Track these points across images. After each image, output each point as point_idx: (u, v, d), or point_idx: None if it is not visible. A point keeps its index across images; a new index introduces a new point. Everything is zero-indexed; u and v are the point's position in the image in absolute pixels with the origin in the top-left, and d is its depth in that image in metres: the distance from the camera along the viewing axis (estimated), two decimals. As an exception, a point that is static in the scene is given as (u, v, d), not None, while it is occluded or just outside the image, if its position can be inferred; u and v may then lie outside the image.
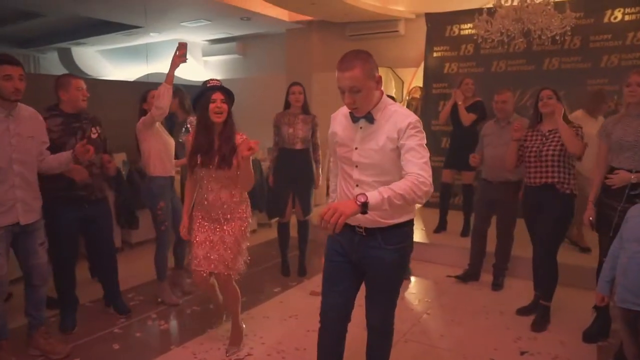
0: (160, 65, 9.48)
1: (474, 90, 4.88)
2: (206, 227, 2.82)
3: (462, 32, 6.03)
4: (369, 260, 2.05)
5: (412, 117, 1.92)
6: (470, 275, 4.17)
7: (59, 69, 10.63)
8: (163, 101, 3.24)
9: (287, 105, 4.15)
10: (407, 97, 6.77)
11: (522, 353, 2.98)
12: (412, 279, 4.30)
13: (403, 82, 6.93)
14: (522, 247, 4.00)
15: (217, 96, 2.69)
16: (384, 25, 7.02)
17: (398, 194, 1.73)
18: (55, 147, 2.93)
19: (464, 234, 4.93)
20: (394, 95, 6.94)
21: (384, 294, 2.13)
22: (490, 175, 3.89)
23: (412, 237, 2.14)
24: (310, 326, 3.10)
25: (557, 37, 4.50)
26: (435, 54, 6.28)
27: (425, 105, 6.40)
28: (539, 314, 3.35)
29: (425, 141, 1.90)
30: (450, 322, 3.46)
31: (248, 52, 9.06)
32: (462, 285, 4.11)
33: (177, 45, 3.30)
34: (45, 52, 11.33)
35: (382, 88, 2.01)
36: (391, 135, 1.90)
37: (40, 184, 2.81)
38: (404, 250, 2.07)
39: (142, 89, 3.80)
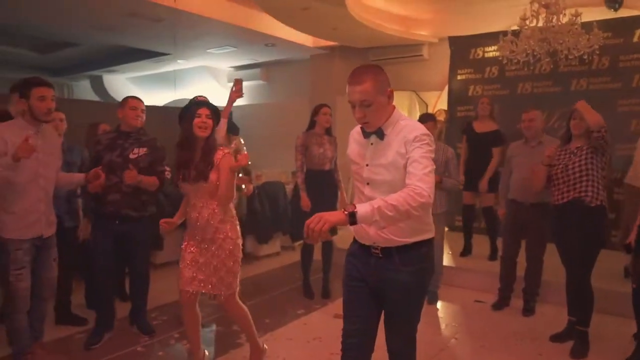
0: (187, 92, 9.69)
1: (489, 109, 4.84)
2: (193, 248, 2.75)
3: (486, 55, 6.03)
4: (386, 284, 1.96)
5: (420, 130, 1.86)
6: (501, 304, 4.01)
7: (91, 97, 11.00)
8: (219, 133, 3.27)
9: (312, 125, 4.17)
10: (431, 120, 6.75)
11: (557, 381, 2.84)
12: (439, 303, 4.18)
13: (427, 106, 6.92)
14: (553, 272, 3.87)
15: (203, 111, 2.69)
16: (408, 49, 7.07)
17: (390, 205, 1.68)
18: (97, 160, 3.13)
19: (491, 257, 4.80)
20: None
21: (403, 318, 2.03)
22: (521, 196, 3.78)
23: (432, 259, 2.04)
24: (334, 349, 2.99)
25: (585, 57, 4.44)
26: (459, 77, 6.27)
27: (449, 128, 6.35)
28: (577, 340, 3.19)
29: (431, 154, 1.83)
30: (479, 347, 3.33)
31: (272, 78, 9.21)
32: (492, 311, 3.96)
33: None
34: (78, 80, 11.73)
35: (396, 104, 1.97)
36: (400, 150, 1.84)
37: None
38: (423, 272, 1.98)
39: (171, 114, 3.92)
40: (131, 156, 3.20)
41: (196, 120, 2.66)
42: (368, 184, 1.94)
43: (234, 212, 2.84)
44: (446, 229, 6.25)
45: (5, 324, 2.81)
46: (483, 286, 4.30)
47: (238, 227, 2.83)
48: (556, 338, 3.36)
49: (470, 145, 4.91)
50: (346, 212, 1.67)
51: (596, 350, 3.17)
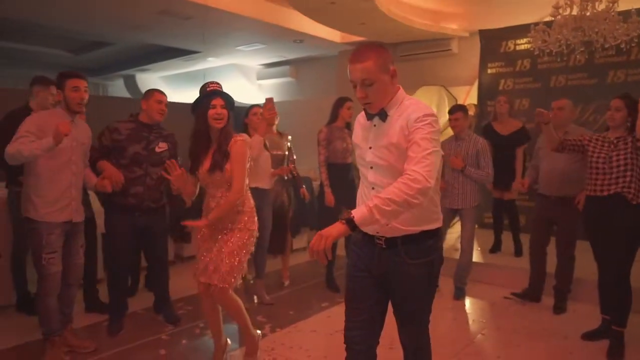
0: (216, 89, 9.83)
1: (508, 107, 4.68)
2: (208, 237, 2.70)
3: (517, 47, 5.87)
4: (392, 276, 1.87)
5: (424, 110, 1.75)
6: (529, 296, 3.91)
7: (125, 95, 11.28)
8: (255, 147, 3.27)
9: (334, 119, 4.15)
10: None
11: (589, 379, 2.73)
12: (467, 300, 4.08)
13: (456, 100, 6.78)
14: (585, 269, 3.72)
15: (217, 102, 2.61)
16: (437, 44, 6.96)
17: (385, 199, 1.61)
18: (117, 149, 3.14)
19: (517, 253, 4.72)
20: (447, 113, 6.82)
21: (412, 312, 1.95)
22: (548, 189, 3.67)
23: (441, 249, 1.93)
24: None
25: (623, 46, 4.25)
26: (489, 71, 6.13)
27: (479, 123, 6.21)
28: (612, 340, 3.04)
29: (435, 135, 1.71)
30: (507, 344, 3.23)
31: (300, 75, 9.23)
32: (521, 307, 3.85)
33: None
34: (112, 80, 12.07)
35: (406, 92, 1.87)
36: (404, 132, 1.74)
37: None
38: (431, 264, 1.87)
39: None
40: (157, 150, 3.24)
41: (211, 111, 2.60)
42: (372, 167, 1.86)
43: (252, 203, 2.78)
44: (475, 226, 6.15)
45: (36, 307, 2.89)
46: (513, 283, 4.17)
47: (256, 219, 2.78)
48: (589, 336, 3.23)
49: (495, 149, 4.62)
50: (343, 221, 1.62)
51: (631, 352, 3.03)
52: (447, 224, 4.10)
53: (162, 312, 3.51)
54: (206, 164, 2.63)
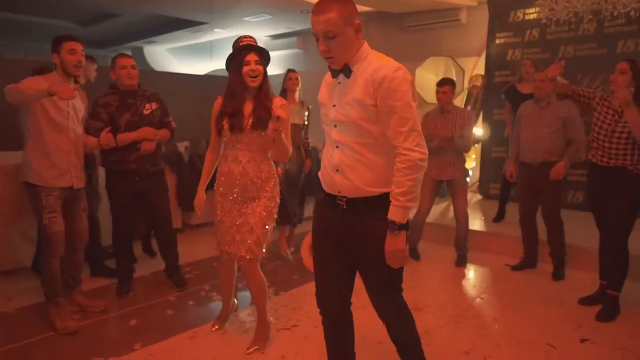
0: (224, 62, 9.81)
1: (532, 72, 4.65)
2: (230, 207, 2.55)
3: (526, 17, 5.77)
4: (355, 240, 1.80)
5: (390, 67, 1.66)
6: (526, 264, 3.98)
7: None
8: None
9: None
10: (468, 86, 6.57)
11: (583, 341, 2.79)
12: (471, 269, 4.15)
13: (464, 72, 6.72)
14: (585, 238, 3.77)
15: (252, 57, 2.43)
16: (445, 14, 6.85)
17: (402, 192, 1.67)
18: (111, 121, 3.18)
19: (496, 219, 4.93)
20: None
21: (380, 280, 1.83)
22: (531, 157, 3.70)
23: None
24: (361, 303, 3.07)
25: (633, 14, 4.18)
26: (497, 41, 6.06)
27: (487, 94, 6.18)
28: (606, 303, 3.12)
29: (410, 93, 1.66)
30: (505, 307, 3.31)
31: (308, 47, 9.16)
32: (521, 274, 3.92)
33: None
34: (119, 52, 12.05)
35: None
36: (368, 89, 1.67)
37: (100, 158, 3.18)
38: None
39: (208, 83, 3.99)
40: (145, 112, 3.29)
41: (245, 68, 2.42)
42: (335, 125, 1.79)
43: (274, 170, 2.65)
44: (480, 196, 6.20)
45: (41, 268, 2.99)
46: (514, 251, 4.22)
47: (278, 188, 2.66)
48: (586, 301, 3.29)
49: (515, 109, 4.70)
50: (396, 232, 1.68)
51: (626, 315, 3.10)
52: (433, 194, 4.14)
53: (172, 278, 3.59)
54: (244, 121, 2.47)
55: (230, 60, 2.51)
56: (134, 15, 8.79)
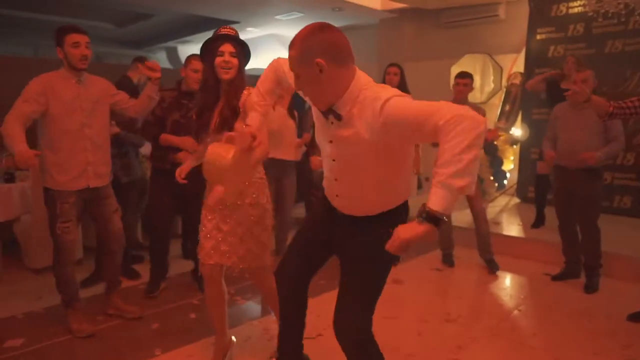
0: (257, 60, 9.78)
1: (575, 69, 4.36)
2: (214, 215, 2.29)
3: (570, 11, 5.45)
4: (343, 239, 1.73)
5: (385, 94, 1.43)
6: (567, 273, 3.74)
7: (167, 67, 11.44)
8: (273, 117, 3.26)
9: None
10: (507, 84, 6.30)
11: (632, 361, 2.58)
12: (507, 277, 3.93)
13: (502, 69, 6.46)
14: (618, 244, 3.55)
15: (226, 48, 2.17)
16: (483, 9, 6.61)
17: (458, 170, 1.25)
18: (158, 118, 3.18)
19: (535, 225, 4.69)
20: (492, 82, 6.52)
21: (354, 284, 1.68)
22: (568, 161, 3.45)
23: (404, 221, 1.59)
24: (386, 313, 2.94)
25: (688, 6, 3.87)
26: (538, 37, 5.76)
27: (525, 93, 5.90)
28: None
29: (407, 102, 1.43)
30: (544, 320, 3.10)
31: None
32: (561, 285, 3.68)
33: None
34: (155, 52, 12.23)
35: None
36: (373, 126, 1.46)
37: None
38: (387, 233, 1.45)
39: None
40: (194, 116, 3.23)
41: (218, 59, 2.17)
42: (334, 160, 1.66)
43: (263, 172, 2.38)
44: (518, 200, 5.92)
45: (54, 275, 2.85)
46: (555, 259, 3.98)
47: (267, 190, 2.38)
48: (635, 317, 3.05)
49: (551, 100, 4.41)
50: (422, 220, 1.30)
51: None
52: None
53: (198, 281, 3.53)
54: (213, 122, 2.24)
55: (204, 48, 2.26)
56: (167, 15, 8.88)
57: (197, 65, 3.12)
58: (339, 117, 1.54)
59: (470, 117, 1.28)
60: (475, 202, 3.88)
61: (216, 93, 2.25)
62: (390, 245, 1.39)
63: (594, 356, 2.61)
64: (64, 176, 2.68)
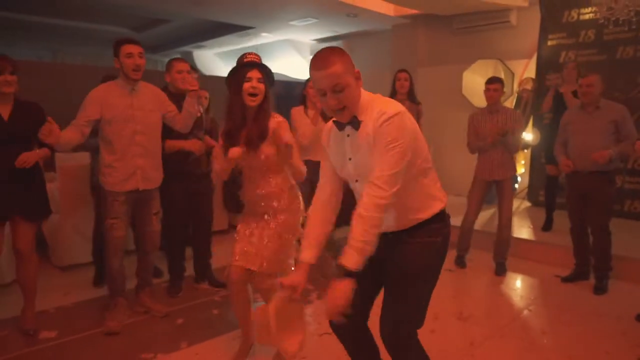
0: (271, 65, 9.84)
1: (576, 75, 4.46)
2: (250, 221, 2.43)
3: (581, 17, 5.54)
4: (390, 257, 1.78)
5: (388, 112, 1.60)
6: (577, 275, 3.82)
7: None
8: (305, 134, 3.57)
9: (393, 93, 4.18)
10: (518, 90, 6.38)
11: (640, 359, 2.66)
12: (518, 278, 4.02)
13: (514, 75, 6.53)
14: (630, 246, 3.60)
15: (254, 74, 2.27)
16: (494, 15, 6.68)
17: (368, 233, 1.56)
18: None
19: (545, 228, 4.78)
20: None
21: (399, 295, 1.76)
22: (580, 165, 3.53)
23: (447, 234, 1.80)
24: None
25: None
26: (550, 43, 5.85)
27: (536, 98, 5.98)
28: None
29: (398, 137, 1.59)
30: (555, 320, 3.19)
31: (353, 50, 9.14)
32: (572, 286, 3.76)
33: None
34: (170, 56, 12.40)
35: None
36: (372, 135, 1.63)
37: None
38: (433, 246, 1.75)
39: None
40: (198, 114, 3.24)
41: (246, 85, 2.26)
42: (357, 180, 1.75)
43: (294, 182, 2.47)
44: (529, 203, 6.00)
45: (105, 267, 3.09)
46: (565, 262, 4.06)
47: (300, 200, 2.47)
48: (644, 318, 3.13)
49: (558, 111, 4.54)
50: (345, 281, 1.54)
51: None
52: (483, 198, 4.07)
53: (208, 279, 3.67)
54: (242, 144, 2.31)
55: (230, 77, 2.34)
56: (184, 21, 9.07)
57: (180, 66, 3.27)
58: (357, 125, 1.68)
59: (388, 198, 1.58)
60: (506, 207, 3.95)
61: (242, 116, 2.33)
62: (330, 305, 1.56)
63: (605, 355, 2.70)
64: (115, 178, 2.86)
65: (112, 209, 2.89)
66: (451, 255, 4.37)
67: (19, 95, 2.81)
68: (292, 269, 2.38)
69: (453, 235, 4.19)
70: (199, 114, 3.11)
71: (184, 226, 3.57)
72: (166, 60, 13.33)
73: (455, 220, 4.95)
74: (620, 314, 3.21)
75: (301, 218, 2.46)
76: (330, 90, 1.63)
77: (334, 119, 1.75)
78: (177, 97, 3.21)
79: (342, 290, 1.55)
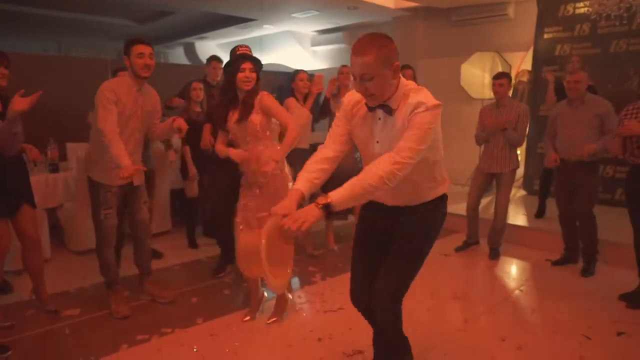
0: (273, 56, 10.12)
1: (578, 70, 4.61)
2: (247, 192, 2.90)
3: (577, 11, 5.70)
4: (394, 227, 1.97)
5: (429, 102, 1.70)
6: (566, 259, 4.05)
7: (184, 63, 11.79)
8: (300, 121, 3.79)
9: None
10: (514, 82, 6.54)
11: (619, 334, 2.87)
12: (511, 262, 4.24)
13: (510, 67, 6.69)
14: (618, 233, 3.80)
15: (247, 65, 2.79)
16: (493, 8, 6.84)
17: (367, 185, 1.65)
18: (208, 114, 3.57)
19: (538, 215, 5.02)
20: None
21: (398, 257, 1.95)
22: (568, 154, 3.75)
23: (445, 209, 2.01)
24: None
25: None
26: (546, 36, 6.02)
27: (533, 90, 6.16)
28: None
29: (432, 122, 1.70)
30: (543, 299, 3.41)
31: (354, 42, 9.30)
32: (561, 269, 3.98)
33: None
34: (173, 48, 12.59)
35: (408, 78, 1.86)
36: (405, 124, 1.73)
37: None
38: (433, 217, 1.97)
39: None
40: None
41: (240, 75, 2.79)
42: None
43: (287, 168, 2.94)
44: (524, 192, 6.21)
45: (98, 258, 3.14)
46: (556, 247, 4.26)
47: (287, 170, 2.93)
48: (625, 297, 3.33)
49: None
50: (320, 205, 1.62)
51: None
52: (483, 188, 4.26)
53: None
54: (234, 117, 2.85)
55: (226, 67, 2.91)
56: (187, 13, 9.21)
57: (216, 64, 3.81)
58: (390, 111, 1.77)
59: (402, 170, 1.68)
60: (503, 198, 4.14)
61: (234, 97, 2.88)
62: (288, 222, 1.60)
63: (588, 330, 2.91)
64: (113, 173, 2.85)
65: (105, 200, 2.98)
66: (445, 241, 4.59)
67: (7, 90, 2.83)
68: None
69: (462, 224, 4.48)
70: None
71: (227, 210, 3.65)
72: (169, 51, 13.34)
73: (452, 208, 5.20)
74: (605, 295, 3.43)
75: (290, 184, 2.82)
76: (359, 77, 1.71)
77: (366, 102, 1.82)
78: (212, 88, 3.56)
79: (311, 214, 1.60)
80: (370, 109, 1.82)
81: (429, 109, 1.69)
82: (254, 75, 2.82)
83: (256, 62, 2.87)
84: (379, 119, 1.82)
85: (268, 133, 2.87)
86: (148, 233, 3.28)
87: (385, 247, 2.00)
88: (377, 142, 1.84)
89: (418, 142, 1.68)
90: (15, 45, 10.44)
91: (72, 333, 2.87)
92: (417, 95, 1.75)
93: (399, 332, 2.05)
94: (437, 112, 1.72)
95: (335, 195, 1.63)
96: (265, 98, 2.83)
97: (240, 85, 2.81)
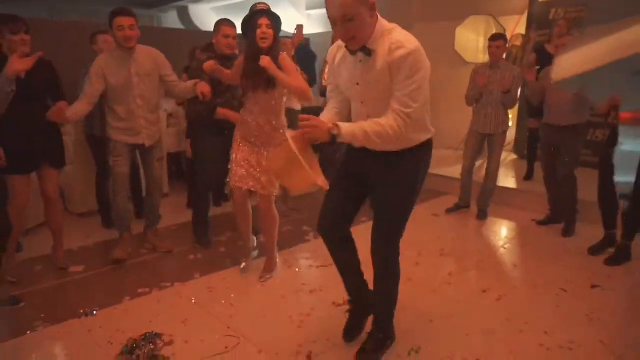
0: (267, 21, 9.99)
1: (566, 34, 4.66)
2: (245, 149, 2.93)
3: (571, -26, 5.69)
4: (375, 176, 2.02)
5: (407, 47, 1.73)
6: (551, 219, 4.20)
7: (178, 27, 11.64)
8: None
9: None
10: (508, 46, 6.55)
11: (594, 287, 3.05)
12: (499, 222, 4.39)
13: (505, 30, 6.69)
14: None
15: (263, 21, 2.69)
16: (488, -29, 6.79)
17: (376, 131, 1.75)
18: (212, 82, 3.29)
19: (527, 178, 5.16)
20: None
21: (385, 212, 2.03)
22: (556, 120, 3.85)
23: (428, 159, 2.06)
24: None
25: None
26: (540, -1, 6.01)
27: (526, 54, 6.18)
28: (617, 249, 3.41)
29: (421, 71, 1.76)
30: (526, 256, 3.59)
31: (349, 5, 9.20)
32: (545, 229, 4.14)
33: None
34: (166, 12, 12.39)
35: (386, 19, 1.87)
36: (386, 67, 1.77)
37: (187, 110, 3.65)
38: (415, 168, 1.99)
39: None
40: None
41: (258, 31, 2.68)
42: (362, 102, 1.93)
43: (285, 122, 2.98)
44: (515, 156, 6.32)
45: (113, 205, 3.41)
46: (543, 208, 4.41)
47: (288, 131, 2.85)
48: (593, 250, 3.56)
49: (541, 69, 4.79)
50: (331, 134, 1.74)
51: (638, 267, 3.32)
52: (477, 149, 4.36)
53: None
54: (259, 83, 2.78)
55: (245, 23, 2.78)
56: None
57: (227, 31, 3.32)
58: (369, 53, 1.80)
59: (402, 126, 1.79)
60: (495, 159, 4.25)
61: (258, 56, 2.70)
62: (308, 123, 1.76)
63: (565, 283, 3.08)
64: (126, 133, 3.20)
65: (114, 149, 3.20)
66: (435, 202, 4.74)
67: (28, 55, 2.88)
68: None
69: (453, 186, 4.59)
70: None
71: (209, 179, 3.63)
72: (162, 15, 13.14)
73: (445, 171, 5.34)
74: (584, 252, 3.59)
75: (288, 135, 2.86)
76: (340, 19, 1.72)
77: (346, 45, 1.86)
78: (221, 59, 3.29)
79: (322, 134, 1.74)
80: (352, 53, 1.86)
81: (408, 54, 1.73)
82: (270, 32, 2.71)
83: (274, 19, 2.75)
84: (360, 61, 1.86)
85: (273, 103, 2.86)
86: (160, 189, 3.53)
87: (363, 189, 2.10)
88: (357, 84, 1.90)
89: (414, 100, 1.77)
90: (4, 10, 10.27)
91: (78, 287, 3.03)
92: (393, 35, 1.78)
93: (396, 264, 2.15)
94: (418, 56, 1.75)
95: (345, 127, 1.77)
96: (286, 59, 2.77)
97: (258, 42, 2.71)
